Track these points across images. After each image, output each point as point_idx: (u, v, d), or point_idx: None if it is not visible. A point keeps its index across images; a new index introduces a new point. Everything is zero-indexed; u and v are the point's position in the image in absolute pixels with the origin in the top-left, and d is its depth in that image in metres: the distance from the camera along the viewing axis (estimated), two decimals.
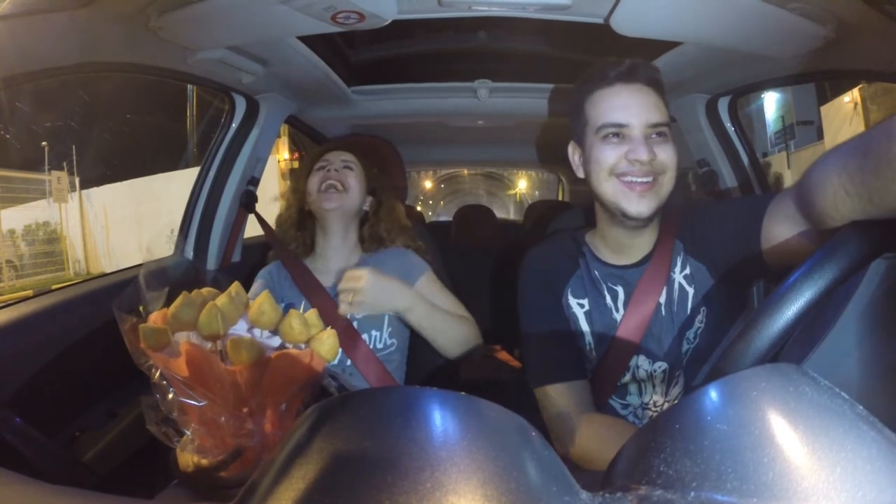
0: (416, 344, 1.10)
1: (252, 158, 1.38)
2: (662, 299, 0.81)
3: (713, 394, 0.27)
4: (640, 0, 0.86)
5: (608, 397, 0.85)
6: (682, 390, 0.83)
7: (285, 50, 1.06)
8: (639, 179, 0.76)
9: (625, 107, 0.78)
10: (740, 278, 0.78)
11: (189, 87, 6.38)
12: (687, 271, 0.82)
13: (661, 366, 0.82)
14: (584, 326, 0.86)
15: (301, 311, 0.60)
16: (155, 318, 0.57)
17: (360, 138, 1.74)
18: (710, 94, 1.34)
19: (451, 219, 2.44)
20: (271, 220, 1.24)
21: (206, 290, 0.60)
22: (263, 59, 1.11)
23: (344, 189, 1.07)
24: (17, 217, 8.94)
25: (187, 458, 0.57)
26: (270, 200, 1.27)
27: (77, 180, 9.46)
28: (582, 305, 0.87)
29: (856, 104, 8.08)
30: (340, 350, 0.99)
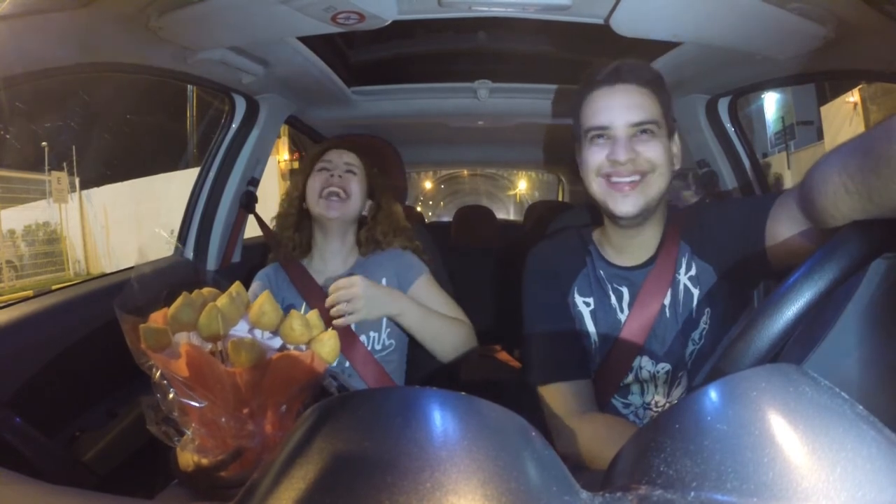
0: (416, 344, 1.09)
1: (252, 159, 1.38)
2: (667, 301, 0.81)
3: (713, 394, 0.27)
4: (640, 0, 0.86)
5: (610, 397, 0.85)
6: (685, 391, 0.83)
7: (285, 50, 1.06)
8: (623, 179, 0.78)
9: (607, 108, 0.79)
10: (745, 278, 0.78)
11: (189, 87, 6.38)
12: (692, 272, 0.81)
13: (664, 367, 0.82)
14: (589, 325, 0.86)
15: (301, 312, 0.60)
16: (155, 318, 0.57)
17: (360, 138, 1.74)
18: (710, 95, 1.34)
19: (451, 219, 2.44)
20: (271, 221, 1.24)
21: (206, 291, 0.60)
22: (263, 60, 1.11)
23: (346, 196, 1.05)
24: (17, 217, 8.94)
25: (187, 458, 0.56)
26: (271, 199, 1.25)
27: (77, 180, 9.46)
28: (588, 304, 0.86)
29: (856, 104, 8.08)
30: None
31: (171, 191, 7.45)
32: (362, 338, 1.01)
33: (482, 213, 2.38)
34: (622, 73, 0.80)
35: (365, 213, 1.12)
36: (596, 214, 0.91)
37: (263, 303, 0.59)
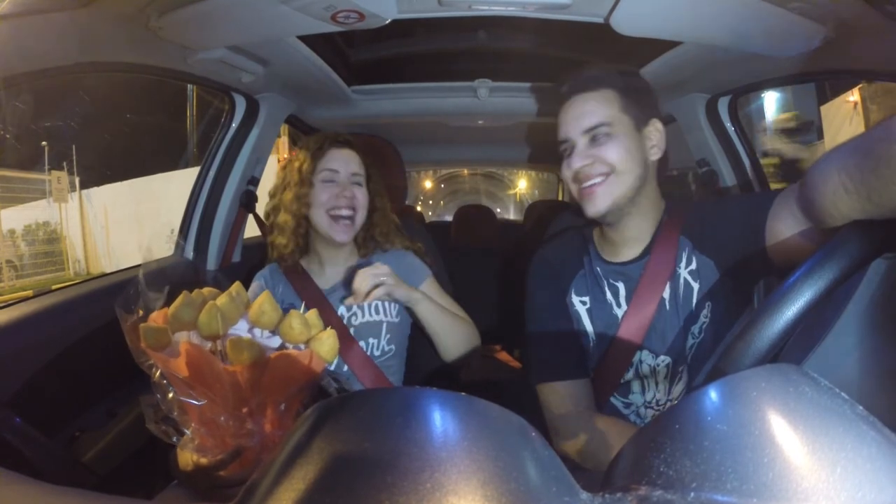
0: (415, 346, 1.09)
1: (252, 158, 1.38)
2: (666, 294, 0.82)
3: (713, 394, 0.27)
4: (640, 0, 0.86)
5: (611, 394, 0.86)
6: (685, 388, 0.83)
7: (285, 50, 1.06)
8: (588, 183, 0.82)
9: (564, 122, 0.85)
10: (745, 274, 0.79)
11: (189, 87, 6.37)
12: (693, 266, 0.82)
13: (664, 360, 0.82)
14: (587, 324, 0.87)
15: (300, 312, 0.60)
16: (155, 317, 0.57)
17: (360, 138, 1.74)
18: (710, 94, 1.34)
19: (451, 219, 2.44)
20: None
21: (206, 290, 0.60)
22: (263, 59, 1.11)
23: (354, 212, 1.02)
24: (17, 217, 8.93)
25: (187, 458, 0.57)
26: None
27: (77, 180, 9.45)
28: (584, 303, 0.88)
29: (856, 104, 8.08)
30: (338, 357, 0.99)
31: (171, 190, 7.45)
32: (361, 344, 1.01)
33: (482, 212, 2.38)
34: (575, 85, 0.85)
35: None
36: None
37: (263, 302, 0.59)
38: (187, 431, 0.55)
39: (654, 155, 0.84)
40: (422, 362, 1.11)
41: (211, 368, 0.52)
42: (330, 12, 0.87)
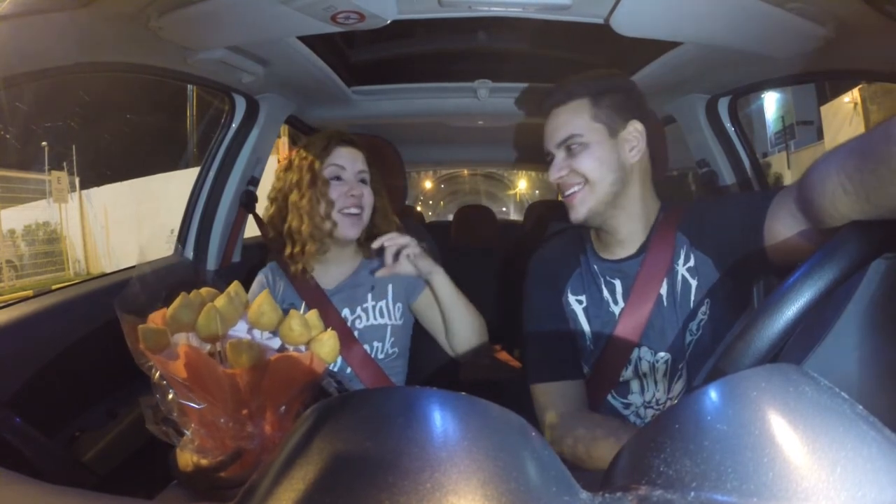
0: (417, 345, 1.09)
1: (252, 158, 1.38)
2: (664, 291, 0.82)
3: (713, 394, 0.27)
4: (640, 0, 0.86)
5: (608, 392, 0.86)
6: (685, 386, 0.83)
7: (285, 50, 1.06)
8: (567, 192, 0.85)
9: (545, 136, 0.88)
10: (744, 272, 0.79)
11: (189, 87, 6.37)
12: (691, 263, 0.82)
13: (663, 356, 0.82)
14: (583, 323, 0.88)
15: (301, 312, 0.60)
16: (154, 318, 0.57)
17: (360, 138, 1.74)
18: (710, 94, 1.34)
19: (451, 219, 2.44)
20: None
21: (205, 291, 0.60)
22: (263, 59, 1.11)
23: (362, 210, 1.02)
24: (17, 217, 8.94)
25: (187, 458, 0.56)
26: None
27: (77, 180, 9.46)
28: (580, 302, 0.88)
29: (856, 104, 8.09)
30: (340, 358, 0.98)
31: (171, 190, 7.45)
32: (366, 347, 1.00)
33: (482, 212, 2.38)
34: (551, 99, 0.87)
35: None
36: None
37: (262, 303, 0.58)
38: (187, 432, 0.55)
39: (634, 157, 0.84)
40: (423, 362, 1.11)
41: (210, 371, 0.52)
42: (330, 13, 0.87)
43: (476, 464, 0.23)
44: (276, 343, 0.60)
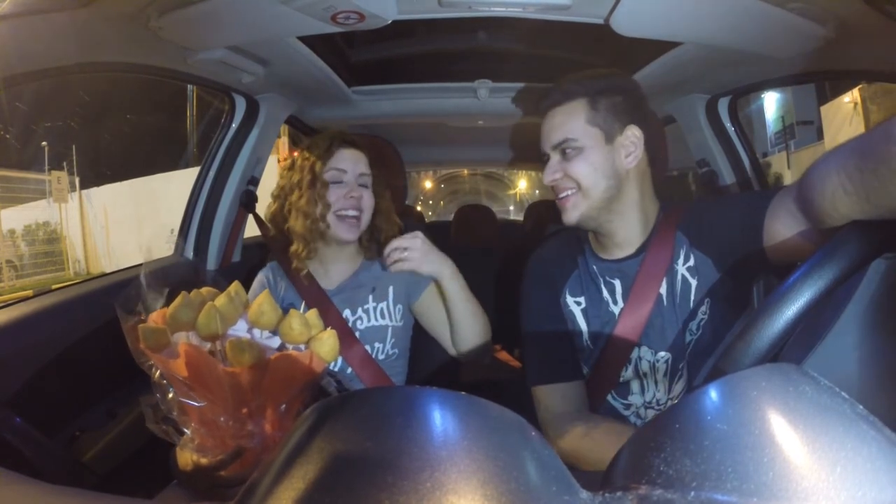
0: (417, 346, 1.09)
1: (252, 158, 1.38)
2: (664, 290, 0.82)
3: (713, 393, 0.27)
4: (640, 0, 0.86)
5: (608, 392, 0.86)
6: (686, 386, 0.83)
7: (285, 50, 1.06)
8: (560, 195, 0.85)
9: (541, 136, 0.87)
10: (744, 272, 0.79)
11: (189, 87, 6.38)
12: (691, 263, 0.82)
13: (663, 356, 0.82)
14: (581, 324, 0.87)
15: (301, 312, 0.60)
16: (154, 317, 0.57)
17: (360, 138, 1.74)
18: (710, 94, 1.34)
19: (451, 219, 2.44)
20: None
21: (205, 291, 0.60)
22: (263, 59, 1.11)
23: (361, 212, 1.01)
24: (17, 217, 8.94)
25: (187, 458, 0.56)
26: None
27: (77, 180, 9.46)
28: (579, 304, 0.88)
29: (856, 104, 8.09)
30: (341, 358, 0.98)
31: (171, 190, 7.45)
32: (367, 348, 1.00)
33: (482, 212, 2.38)
34: (548, 99, 0.86)
35: None
36: None
37: (262, 302, 0.59)
38: (187, 431, 0.55)
39: (630, 164, 0.82)
40: (424, 362, 1.11)
41: (210, 370, 0.52)
42: (330, 13, 0.87)
43: (476, 463, 0.23)
44: (275, 342, 0.60)
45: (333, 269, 1.06)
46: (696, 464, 0.24)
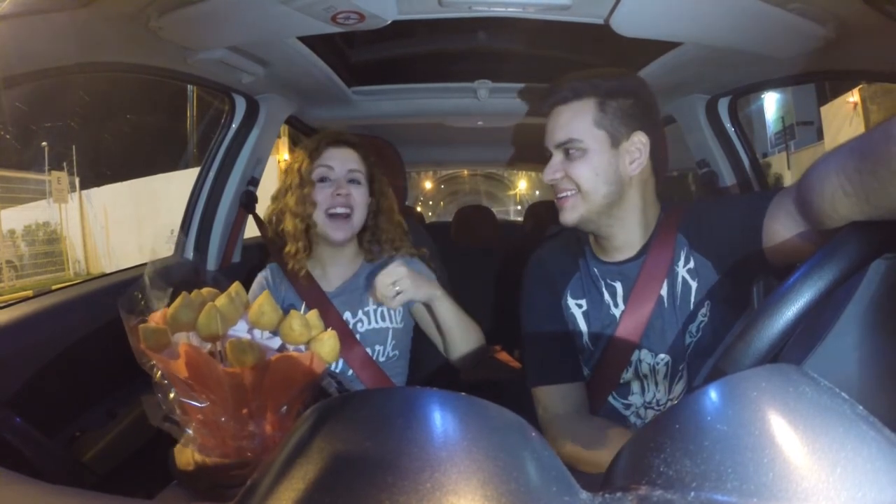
0: (418, 346, 1.09)
1: (252, 159, 1.38)
2: (664, 292, 0.82)
3: (713, 394, 0.27)
4: (640, 0, 0.86)
5: (609, 393, 0.86)
6: (686, 388, 0.83)
7: (285, 50, 1.06)
8: (559, 195, 0.83)
9: (545, 133, 0.85)
10: (743, 273, 0.79)
11: (189, 87, 6.38)
12: (691, 265, 0.82)
13: (663, 358, 0.82)
14: (582, 326, 0.87)
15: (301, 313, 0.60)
16: (155, 318, 0.57)
17: (360, 138, 1.74)
18: (710, 95, 1.34)
19: (451, 219, 2.44)
20: None
21: (205, 291, 0.60)
22: (263, 60, 1.11)
23: (352, 211, 1.01)
24: (17, 217, 8.95)
25: (188, 457, 0.57)
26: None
27: (77, 180, 9.46)
28: (580, 306, 0.88)
29: (856, 104, 8.09)
30: (341, 360, 0.98)
31: (171, 191, 7.45)
32: (368, 350, 1.00)
33: (482, 213, 2.38)
34: (554, 95, 0.84)
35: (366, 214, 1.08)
36: None
37: (263, 303, 0.59)
38: (189, 431, 0.55)
39: (634, 171, 0.81)
40: (424, 363, 1.11)
41: (210, 370, 0.52)
42: (330, 13, 0.87)
43: (476, 464, 0.23)
44: (276, 343, 0.60)
45: (333, 272, 1.06)
46: (696, 464, 0.24)
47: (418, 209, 3.44)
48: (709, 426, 0.25)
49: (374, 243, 1.08)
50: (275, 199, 1.07)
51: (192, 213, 1.36)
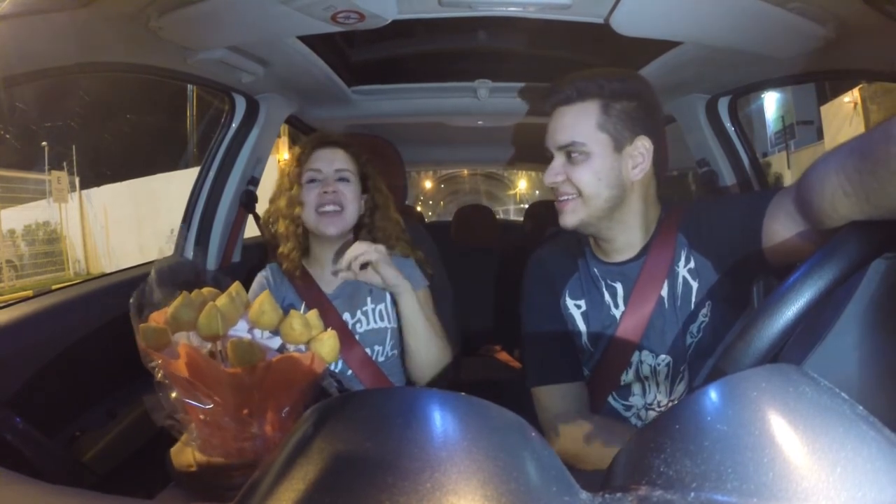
0: None
1: (252, 158, 1.38)
2: (665, 293, 0.81)
3: (713, 394, 0.27)
4: (640, 0, 0.86)
5: (609, 394, 0.86)
6: (687, 388, 0.83)
7: (285, 50, 1.06)
8: (560, 198, 0.82)
9: (547, 133, 0.83)
10: (743, 273, 0.78)
11: (189, 87, 6.38)
12: (691, 265, 0.81)
13: (664, 359, 0.82)
14: (581, 327, 0.87)
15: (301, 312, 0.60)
16: (156, 317, 0.57)
17: (361, 138, 1.74)
18: (710, 94, 1.34)
19: (451, 219, 2.44)
20: None
21: (206, 291, 0.60)
22: (263, 59, 1.11)
23: (342, 208, 1.01)
24: (17, 217, 8.94)
25: (188, 457, 0.57)
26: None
27: (77, 180, 9.46)
28: (579, 306, 0.87)
29: (856, 104, 8.09)
30: (341, 361, 0.98)
31: (172, 190, 7.45)
32: (367, 351, 1.00)
33: (482, 212, 2.38)
34: (556, 95, 0.82)
35: (360, 211, 1.08)
36: None
37: (263, 302, 0.59)
38: (191, 431, 0.55)
39: (636, 175, 0.80)
40: None
41: (210, 370, 0.52)
42: (330, 12, 0.87)
43: (476, 464, 0.23)
44: (276, 342, 0.60)
45: (329, 270, 1.06)
46: (696, 464, 0.24)
47: (418, 209, 3.44)
48: (709, 426, 0.25)
49: (370, 241, 1.08)
50: (271, 201, 1.09)
51: (192, 212, 1.36)
